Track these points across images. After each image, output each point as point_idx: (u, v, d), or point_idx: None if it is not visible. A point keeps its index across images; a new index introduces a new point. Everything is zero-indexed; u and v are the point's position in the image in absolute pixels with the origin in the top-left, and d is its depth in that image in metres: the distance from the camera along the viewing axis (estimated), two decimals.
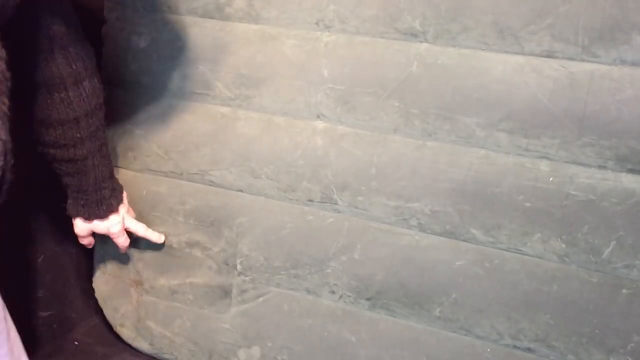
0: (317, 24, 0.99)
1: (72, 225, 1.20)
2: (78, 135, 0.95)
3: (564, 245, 0.90)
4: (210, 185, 1.08)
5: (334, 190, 1.00)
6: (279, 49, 1.01)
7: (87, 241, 1.10)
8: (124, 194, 1.08)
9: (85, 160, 0.98)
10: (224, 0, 1.03)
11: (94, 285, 1.19)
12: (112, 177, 1.04)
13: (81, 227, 1.06)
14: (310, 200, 1.02)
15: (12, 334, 0.86)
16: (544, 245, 0.91)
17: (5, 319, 0.86)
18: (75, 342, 1.21)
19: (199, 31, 1.05)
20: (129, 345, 1.17)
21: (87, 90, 0.94)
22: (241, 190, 1.06)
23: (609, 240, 0.88)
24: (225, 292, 1.09)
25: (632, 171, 0.86)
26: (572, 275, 0.90)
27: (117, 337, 1.19)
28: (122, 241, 1.09)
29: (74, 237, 1.21)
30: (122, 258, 1.15)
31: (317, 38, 0.99)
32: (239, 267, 1.07)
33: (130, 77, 1.09)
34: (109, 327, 1.20)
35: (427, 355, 0.98)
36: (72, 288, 1.22)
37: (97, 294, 1.19)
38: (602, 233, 0.88)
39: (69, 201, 1.04)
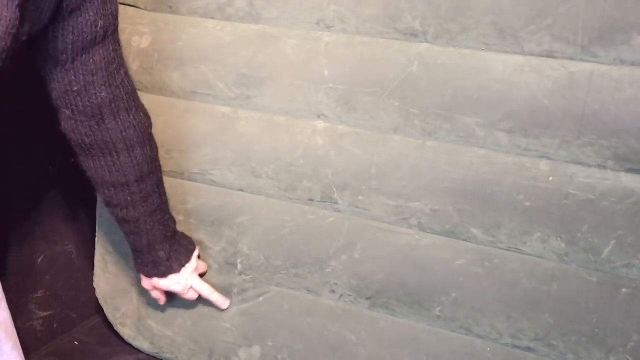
0: (317, 24, 0.99)
1: (72, 225, 1.21)
2: (129, 198, 0.96)
3: (563, 245, 0.90)
4: (211, 184, 1.08)
5: (335, 189, 1.00)
6: (280, 49, 1.01)
7: (156, 295, 1.09)
8: (194, 254, 1.06)
9: (137, 222, 0.99)
10: (225, 0, 1.04)
11: (94, 284, 1.19)
12: (168, 239, 1.02)
13: (145, 282, 1.07)
14: (310, 200, 1.02)
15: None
16: (544, 244, 0.91)
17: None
18: (75, 342, 1.21)
19: (200, 31, 1.05)
20: (129, 345, 1.17)
21: (138, 158, 0.95)
22: (242, 190, 1.06)
23: (608, 240, 0.88)
24: (226, 292, 1.08)
25: (631, 171, 0.87)
26: (572, 275, 0.90)
27: (118, 336, 1.19)
28: (189, 297, 1.07)
29: (75, 237, 1.21)
30: (123, 257, 1.15)
31: (318, 38, 0.99)
32: (239, 266, 1.07)
33: (131, 76, 1.09)
34: (109, 327, 1.20)
35: (427, 354, 0.98)
36: (72, 288, 1.23)
37: (97, 293, 1.19)
38: (602, 232, 0.88)
39: (134, 257, 1.05)
